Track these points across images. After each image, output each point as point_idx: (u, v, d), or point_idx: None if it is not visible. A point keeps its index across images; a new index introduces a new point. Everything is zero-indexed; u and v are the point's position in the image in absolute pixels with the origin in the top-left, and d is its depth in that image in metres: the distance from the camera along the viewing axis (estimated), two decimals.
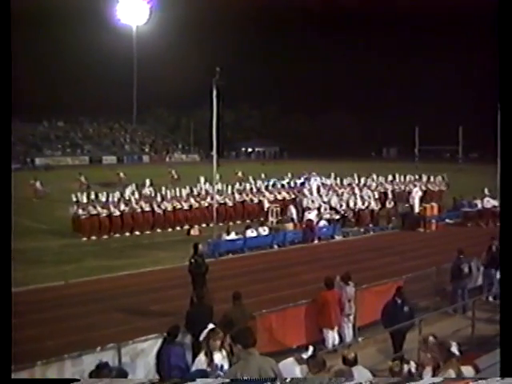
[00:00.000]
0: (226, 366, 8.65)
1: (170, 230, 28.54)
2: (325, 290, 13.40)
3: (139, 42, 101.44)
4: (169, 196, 29.61)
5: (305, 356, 8.62)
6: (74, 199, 27.71)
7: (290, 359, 8.64)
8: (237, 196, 31.35)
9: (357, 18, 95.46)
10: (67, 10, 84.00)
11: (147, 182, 32.44)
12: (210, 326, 9.83)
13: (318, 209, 28.86)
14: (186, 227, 28.39)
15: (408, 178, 38.29)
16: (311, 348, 9.19)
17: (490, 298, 16.29)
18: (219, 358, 8.78)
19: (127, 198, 28.59)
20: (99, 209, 27.13)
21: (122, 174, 46.40)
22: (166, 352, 9.96)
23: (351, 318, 13.83)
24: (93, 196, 28.13)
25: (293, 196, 32.84)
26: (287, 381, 6.84)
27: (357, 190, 32.53)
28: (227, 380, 6.52)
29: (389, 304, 12.40)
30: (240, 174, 45.35)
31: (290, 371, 8.09)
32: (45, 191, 41.23)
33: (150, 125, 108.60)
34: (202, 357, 8.89)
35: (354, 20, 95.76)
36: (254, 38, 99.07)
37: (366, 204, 30.37)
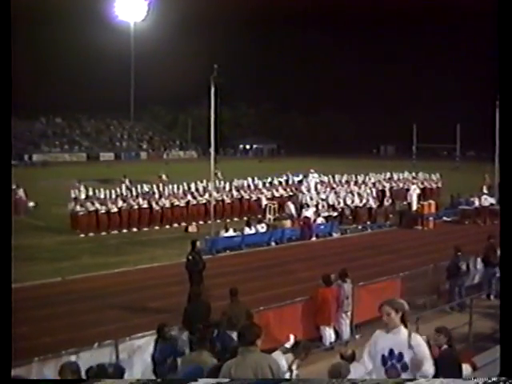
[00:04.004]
0: None
1: (167, 226, 28.42)
2: (323, 287, 13.41)
3: (137, 38, 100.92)
4: (166, 193, 29.56)
5: (288, 346, 8.77)
6: (73, 196, 27.62)
7: (276, 352, 8.68)
8: (234, 193, 31.29)
9: (353, 17, 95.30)
10: (64, 7, 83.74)
11: (199, 183, 30.82)
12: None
13: (316, 206, 28.85)
14: (184, 224, 28.29)
15: (406, 175, 38.29)
16: (292, 336, 9.31)
17: (492, 297, 16.22)
18: None
19: (125, 195, 28.54)
20: (97, 205, 27.04)
21: (164, 176, 40.46)
22: (156, 350, 10.09)
23: (349, 315, 13.81)
24: (90, 192, 28.04)
25: (290, 193, 32.79)
26: (288, 380, 6.82)
27: (354, 188, 32.50)
28: (225, 380, 6.47)
29: None
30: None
31: None
32: None
33: (148, 122, 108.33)
34: None
35: (350, 19, 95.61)
36: (251, 36, 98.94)
37: (364, 201, 30.33)
